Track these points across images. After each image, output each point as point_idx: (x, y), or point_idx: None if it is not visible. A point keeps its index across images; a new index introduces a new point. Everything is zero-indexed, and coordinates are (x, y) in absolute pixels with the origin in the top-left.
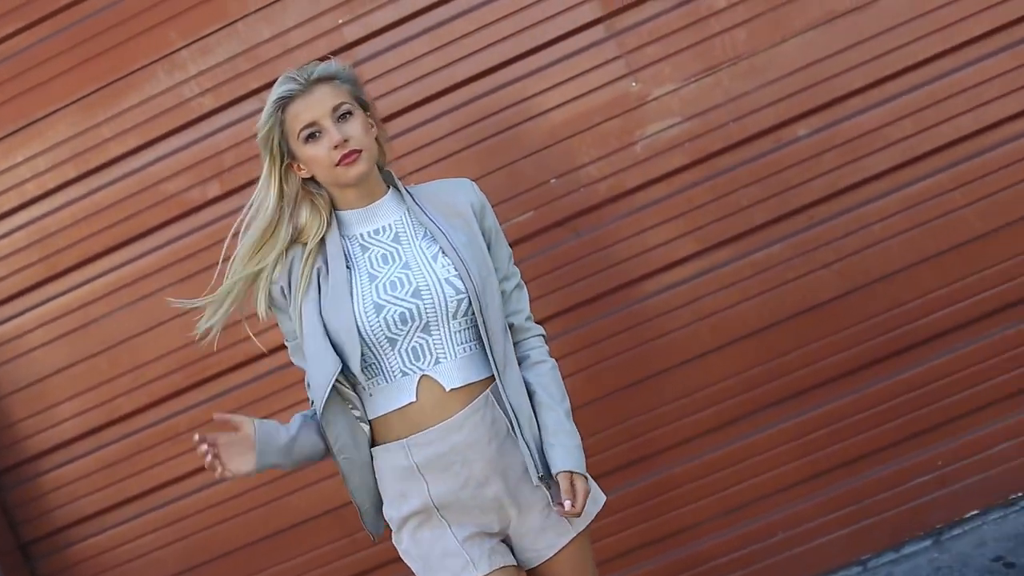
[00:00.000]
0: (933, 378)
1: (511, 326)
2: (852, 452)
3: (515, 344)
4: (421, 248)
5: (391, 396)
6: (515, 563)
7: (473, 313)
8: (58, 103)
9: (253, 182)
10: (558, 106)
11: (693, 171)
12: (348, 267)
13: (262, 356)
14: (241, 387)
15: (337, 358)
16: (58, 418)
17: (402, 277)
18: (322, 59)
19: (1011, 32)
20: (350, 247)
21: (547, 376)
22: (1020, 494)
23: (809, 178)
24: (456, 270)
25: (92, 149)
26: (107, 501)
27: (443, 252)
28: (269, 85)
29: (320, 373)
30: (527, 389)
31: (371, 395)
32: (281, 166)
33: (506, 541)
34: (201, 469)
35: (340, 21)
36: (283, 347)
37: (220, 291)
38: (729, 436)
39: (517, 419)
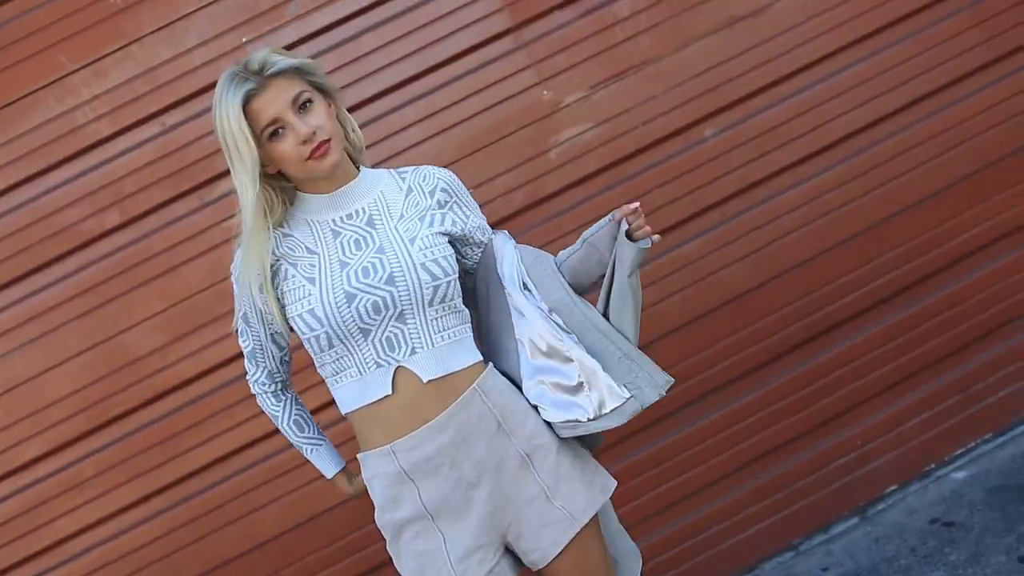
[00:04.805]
0: (846, 360)
1: None
2: (775, 440)
3: None
4: (397, 230)
5: (365, 389)
6: None
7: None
8: None
9: (155, 209)
10: (472, 116)
11: (607, 174)
12: (315, 253)
13: (170, 392)
14: (147, 426)
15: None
16: None
17: (375, 262)
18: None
19: (897, 29)
20: (320, 233)
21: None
22: (933, 466)
23: (719, 175)
24: (436, 252)
25: None
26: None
27: (423, 236)
28: (169, 107)
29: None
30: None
31: (342, 386)
32: (256, 165)
33: (510, 547)
34: (103, 520)
35: (244, 40)
36: (189, 383)
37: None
38: (656, 435)
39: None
